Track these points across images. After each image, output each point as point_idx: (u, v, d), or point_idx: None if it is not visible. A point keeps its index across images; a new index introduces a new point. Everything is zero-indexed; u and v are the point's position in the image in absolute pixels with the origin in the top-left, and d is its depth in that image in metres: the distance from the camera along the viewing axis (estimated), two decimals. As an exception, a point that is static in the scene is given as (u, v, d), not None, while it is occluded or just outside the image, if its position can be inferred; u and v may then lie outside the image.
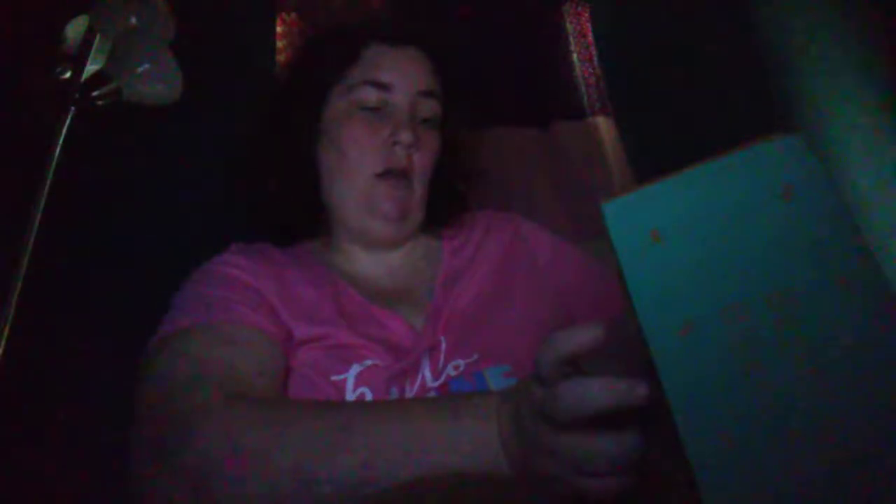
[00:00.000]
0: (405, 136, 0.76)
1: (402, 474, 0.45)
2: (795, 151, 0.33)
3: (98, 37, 0.94)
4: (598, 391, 0.36)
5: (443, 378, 0.67)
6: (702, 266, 0.33)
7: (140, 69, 0.92)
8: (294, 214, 0.81)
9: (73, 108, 0.90)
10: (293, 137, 0.80)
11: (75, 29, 0.96)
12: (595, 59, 1.31)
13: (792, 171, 0.33)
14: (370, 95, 0.78)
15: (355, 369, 0.66)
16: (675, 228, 0.34)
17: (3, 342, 0.80)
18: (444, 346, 0.70)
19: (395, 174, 0.77)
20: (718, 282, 0.33)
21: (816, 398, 0.31)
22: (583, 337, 0.38)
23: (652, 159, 1.17)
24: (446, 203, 0.85)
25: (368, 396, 0.65)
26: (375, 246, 0.81)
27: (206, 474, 0.48)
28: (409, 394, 0.66)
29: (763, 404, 0.31)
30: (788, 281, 0.32)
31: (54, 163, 0.87)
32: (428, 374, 0.68)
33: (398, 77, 0.79)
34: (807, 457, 0.31)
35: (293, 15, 1.25)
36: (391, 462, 0.45)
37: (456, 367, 0.68)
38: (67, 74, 0.92)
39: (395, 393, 0.66)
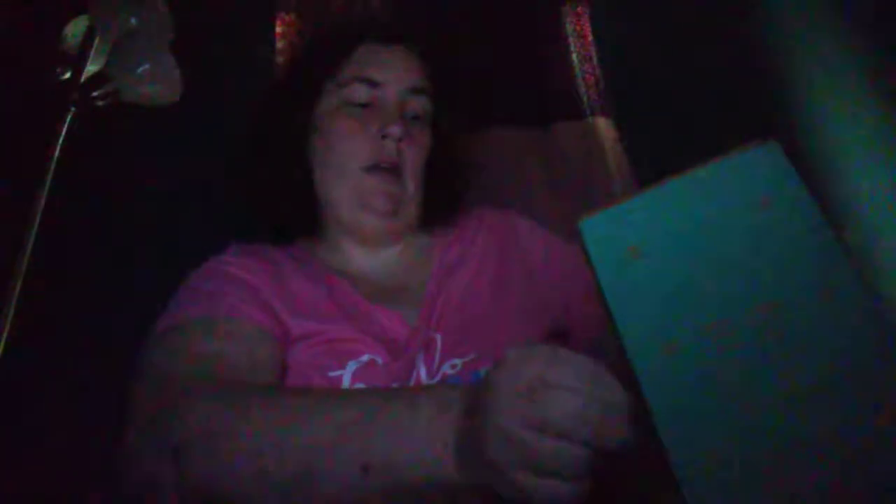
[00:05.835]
0: (394, 129, 0.76)
1: (350, 457, 0.43)
2: (769, 159, 0.33)
3: (97, 37, 0.94)
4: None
5: (439, 376, 0.67)
6: (684, 282, 0.32)
7: (139, 69, 0.92)
8: (289, 209, 0.82)
9: (72, 108, 0.90)
10: (286, 130, 0.82)
11: (75, 29, 0.96)
12: (595, 59, 1.31)
13: (767, 180, 0.32)
14: (360, 92, 0.79)
15: (351, 366, 0.66)
16: (654, 244, 0.33)
17: (3, 342, 0.80)
18: (439, 343, 0.70)
19: (384, 168, 0.77)
20: (702, 298, 0.32)
21: (805, 412, 0.30)
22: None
23: (652, 160, 1.17)
24: (442, 202, 0.85)
25: None
26: (369, 242, 0.81)
27: (186, 452, 0.49)
28: None
29: (752, 421, 0.30)
30: (772, 293, 0.31)
31: (54, 163, 0.87)
32: (423, 371, 0.68)
33: (388, 74, 0.80)
34: (795, 471, 0.30)
35: (293, 15, 1.25)
36: (339, 445, 0.44)
37: (453, 367, 0.68)
38: (67, 75, 0.92)
39: None
